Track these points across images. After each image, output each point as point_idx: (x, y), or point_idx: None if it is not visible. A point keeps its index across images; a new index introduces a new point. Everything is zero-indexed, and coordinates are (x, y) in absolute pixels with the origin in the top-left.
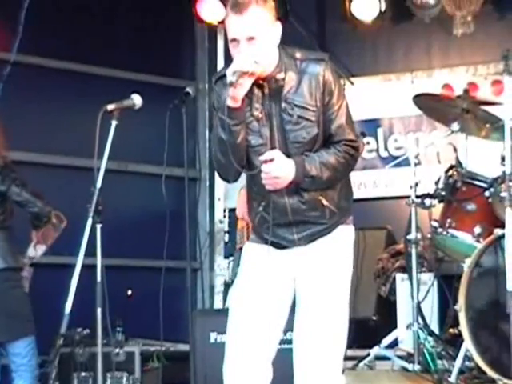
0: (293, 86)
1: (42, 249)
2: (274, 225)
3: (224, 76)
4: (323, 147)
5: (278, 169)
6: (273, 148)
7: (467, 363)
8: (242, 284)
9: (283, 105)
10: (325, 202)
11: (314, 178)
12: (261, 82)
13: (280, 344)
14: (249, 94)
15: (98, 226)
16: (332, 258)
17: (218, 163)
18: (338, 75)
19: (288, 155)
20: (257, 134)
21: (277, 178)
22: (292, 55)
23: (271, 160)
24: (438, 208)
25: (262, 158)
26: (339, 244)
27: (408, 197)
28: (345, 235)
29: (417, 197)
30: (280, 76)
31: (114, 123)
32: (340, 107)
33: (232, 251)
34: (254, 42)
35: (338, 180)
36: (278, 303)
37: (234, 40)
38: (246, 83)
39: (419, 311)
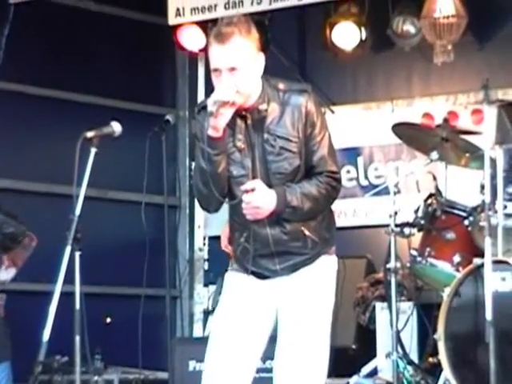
0: (275, 117)
1: (12, 272)
2: (256, 255)
3: (207, 106)
4: (305, 178)
5: (259, 199)
6: (254, 179)
7: None
8: (223, 312)
9: (266, 136)
10: (307, 233)
11: (295, 209)
12: (244, 112)
13: (259, 373)
14: (231, 125)
15: (77, 254)
16: (314, 288)
17: (199, 193)
18: (321, 106)
19: (270, 186)
20: (239, 164)
21: (257, 208)
22: (275, 86)
23: (252, 190)
24: (418, 237)
25: (243, 187)
26: (322, 275)
27: (387, 225)
28: (327, 266)
29: (396, 225)
30: (263, 107)
31: (93, 150)
32: (322, 139)
33: (213, 279)
34: (235, 73)
35: (320, 211)
36: (259, 332)
37: (216, 70)
38: (227, 113)
39: (398, 340)
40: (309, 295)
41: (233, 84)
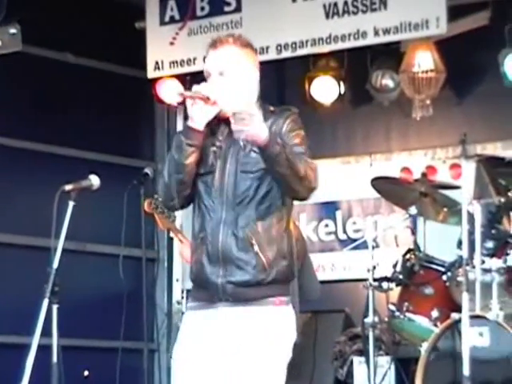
0: None
1: None
2: (204, 257)
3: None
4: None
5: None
6: (222, 176)
7: None
8: (181, 355)
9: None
10: (255, 248)
11: (284, 147)
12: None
13: None
14: (215, 127)
15: (55, 307)
16: (267, 342)
17: (162, 184)
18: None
19: (236, 183)
20: (209, 163)
21: (254, 116)
22: (267, 108)
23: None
24: (396, 291)
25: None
26: (276, 329)
27: (366, 280)
28: (283, 318)
29: (374, 280)
30: None
31: (71, 204)
32: (301, 142)
33: None
34: (223, 78)
35: (292, 176)
36: (218, 376)
37: (207, 74)
38: (207, 111)
39: None
40: (261, 350)
41: (217, 87)
